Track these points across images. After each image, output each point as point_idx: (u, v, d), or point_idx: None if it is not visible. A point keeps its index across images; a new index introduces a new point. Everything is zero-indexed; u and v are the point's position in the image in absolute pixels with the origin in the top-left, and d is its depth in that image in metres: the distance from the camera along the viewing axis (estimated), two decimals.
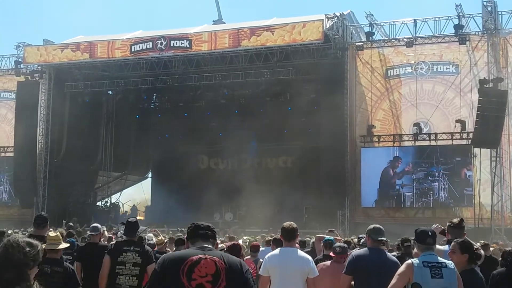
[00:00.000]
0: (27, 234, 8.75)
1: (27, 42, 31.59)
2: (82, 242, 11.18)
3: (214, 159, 36.53)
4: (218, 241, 12.27)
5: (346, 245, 8.09)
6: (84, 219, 28.28)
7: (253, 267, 8.63)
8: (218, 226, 28.28)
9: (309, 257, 6.79)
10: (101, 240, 9.82)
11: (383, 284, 6.29)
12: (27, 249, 3.27)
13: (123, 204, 36.85)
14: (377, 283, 6.30)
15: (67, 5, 74.17)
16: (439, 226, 7.69)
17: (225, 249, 7.84)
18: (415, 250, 6.12)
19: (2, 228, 15.35)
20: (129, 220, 8.03)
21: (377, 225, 6.90)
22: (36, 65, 31.33)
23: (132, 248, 7.63)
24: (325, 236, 9.60)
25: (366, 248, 6.80)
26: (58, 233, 7.32)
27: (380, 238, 6.69)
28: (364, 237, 9.33)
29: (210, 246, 4.08)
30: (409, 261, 5.70)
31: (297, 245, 7.28)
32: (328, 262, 7.53)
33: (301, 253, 6.85)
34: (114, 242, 9.42)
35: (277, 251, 6.98)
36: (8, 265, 3.22)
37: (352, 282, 6.63)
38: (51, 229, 8.25)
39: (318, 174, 27.16)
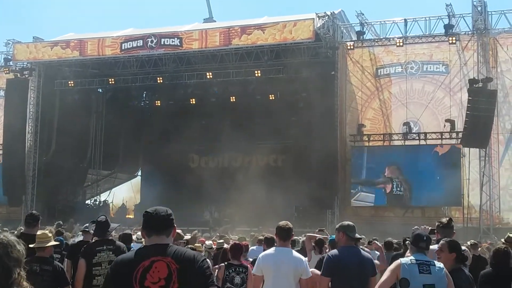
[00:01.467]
0: (16, 233, 8.69)
1: (16, 39, 31.44)
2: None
3: (204, 158, 36.50)
4: (210, 242, 12.30)
5: None
6: (73, 217, 28.14)
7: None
8: (208, 225, 28.35)
9: (303, 258, 6.78)
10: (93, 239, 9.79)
11: (361, 280, 6.32)
12: (9, 249, 3.25)
13: (112, 203, 36.75)
14: (356, 281, 6.31)
15: (58, 2, 73.83)
16: (427, 227, 7.73)
17: (226, 249, 7.83)
18: (408, 253, 6.17)
19: None
20: (99, 219, 7.89)
21: (351, 223, 6.74)
22: (26, 63, 31.15)
23: (104, 247, 7.55)
24: (316, 235, 9.61)
25: (341, 247, 6.58)
26: (46, 231, 7.29)
27: (357, 236, 6.62)
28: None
29: (163, 242, 3.87)
30: (398, 260, 5.75)
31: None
32: None
33: (295, 253, 6.81)
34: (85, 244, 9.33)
35: (271, 250, 6.95)
36: None
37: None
38: (47, 227, 8.20)
39: (308, 173, 27.19)
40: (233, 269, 7.69)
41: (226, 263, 7.87)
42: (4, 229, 16.00)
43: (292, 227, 6.78)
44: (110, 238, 8.03)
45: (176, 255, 3.80)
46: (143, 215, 3.99)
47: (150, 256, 3.78)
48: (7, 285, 3.17)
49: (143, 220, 3.97)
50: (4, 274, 3.19)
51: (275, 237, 7.11)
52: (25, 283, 3.27)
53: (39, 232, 7.09)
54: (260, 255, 6.93)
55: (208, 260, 3.92)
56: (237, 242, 8.74)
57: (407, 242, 10.12)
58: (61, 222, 18.28)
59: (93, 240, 8.15)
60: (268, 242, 10.06)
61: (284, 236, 6.72)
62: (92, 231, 7.98)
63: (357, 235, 6.65)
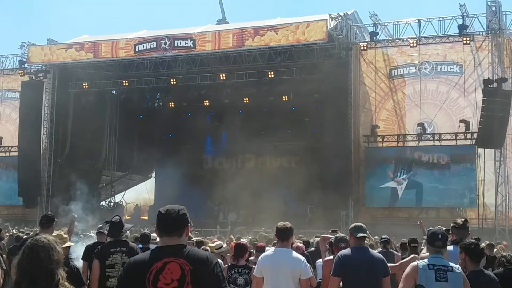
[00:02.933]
0: (31, 234, 8.75)
1: (31, 42, 31.65)
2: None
3: (218, 159, 36.54)
4: (219, 242, 12.30)
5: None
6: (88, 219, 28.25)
7: None
8: (223, 226, 28.36)
9: (302, 258, 6.75)
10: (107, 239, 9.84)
11: (372, 281, 6.30)
12: (51, 252, 3.29)
13: (126, 204, 36.89)
14: (366, 281, 6.30)
15: (72, 4, 74.27)
16: (441, 227, 7.70)
17: (229, 249, 7.83)
18: (424, 251, 6.11)
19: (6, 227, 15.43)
20: (113, 220, 7.92)
21: (358, 223, 6.83)
22: (40, 65, 31.37)
23: (118, 249, 7.58)
24: (330, 236, 9.58)
25: (350, 248, 6.71)
26: (62, 232, 7.33)
27: (360, 235, 6.59)
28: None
29: (176, 242, 3.89)
30: (414, 262, 5.69)
31: (300, 244, 7.25)
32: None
33: (294, 253, 6.80)
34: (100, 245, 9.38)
35: (270, 251, 7.00)
36: (35, 265, 3.24)
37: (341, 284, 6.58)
38: (61, 228, 8.24)
39: (322, 174, 27.13)
40: (235, 270, 7.68)
41: (229, 264, 7.87)
42: (21, 230, 16.15)
43: (290, 227, 6.75)
44: (124, 239, 8.06)
45: (189, 256, 3.83)
46: (157, 214, 4.01)
47: (162, 257, 3.81)
48: (51, 287, 3.21)
49: (157, 219, 3.99)
50: (47, 277, 3.22)
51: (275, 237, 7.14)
52: (66, 283, 3.31)
53: (55, 233, 7.13)
54: (260, 257, 6.98)
55: (220, 262, 3.95)
56: (239, 242, 8.73)
57: (413, 245, 10.11)
58: (77, 224, 18.35)
59: (107, 241, 8.19)
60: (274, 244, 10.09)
61: (283, 236, 6.72)
62: (106, 232, 8.01)
63: (360, 234, 6.61)
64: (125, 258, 7.42)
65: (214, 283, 3.85)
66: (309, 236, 16.44)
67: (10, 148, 32.60)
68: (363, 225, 6.78)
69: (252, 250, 9.61)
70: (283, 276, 6.48)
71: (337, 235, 7.94)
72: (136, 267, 3.85)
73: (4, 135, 33.07)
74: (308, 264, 6.96)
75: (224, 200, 31.21)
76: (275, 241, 9.98)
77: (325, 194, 25.62)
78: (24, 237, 10.90)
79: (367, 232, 6.96)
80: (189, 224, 3.99)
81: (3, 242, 12.52)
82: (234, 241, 12.56)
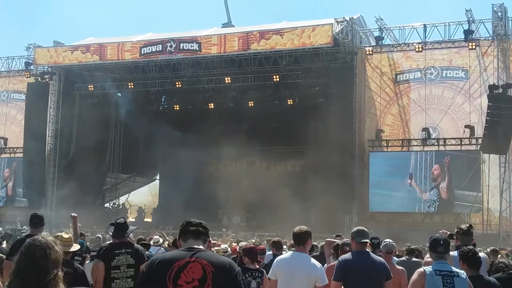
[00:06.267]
0: (24, 234, 8.77)
1: (37, 44, 31.80)
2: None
3: (222, 162, 36.50)
4: (225, 246, 12.31)
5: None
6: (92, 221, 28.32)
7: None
8: (227, 229, 28.33)
9: (319, 265, 6.63)
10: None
11: (373, 285, 6.29)
12: (47, 250, 3.31)
13: (130, 206, 36.95)
14: (368, 286, 6.30)
15: (78, 7, 74.49)
16: (446, 231, 7.68)
17: (241, 252, 7.81)
18: (427, 257, 6.11)
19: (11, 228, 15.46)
20: (118, 221, 7.93)
21: (361, 228, 6.79)
22: (46, 67, 31.50)
23: (123, 250, 7.56)
24: (335, 240, 9.55)
25: (351, 252, 6.69)
26: (70, 235, 7.34)
27: (363, 241, 6.56)
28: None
29: (200, 246, 3.99)
30: (421, 269, 5.70)
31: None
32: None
33: (311, 259, 6.67)
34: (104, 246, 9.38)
35: (287, 255, 6.92)
36: (30, 264, 3.27)
37: None
38: (64, 230, 8.25)
39: (326, 178, 27.09)
40: (249, 274, 7.64)
41: (242, 267, 7.84)
42: (22, 230, 16.17)
43: (307, 230, 6.64)
44: (129, 240, 8.07)
45: (212, 259, 3.91)
46: (181, 224, 4.16)
47: (185, 257, 3.88)
48: (43, 285, 3.23)
49: (182, 228, 4.12)
50: (39, 275, 3.25)
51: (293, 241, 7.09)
52: (62, 285, 3.33)
53: (65, 236, 7.14)
54: (276, 259, 6.90)
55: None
56: (252, 246, 8.70)
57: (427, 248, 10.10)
58: (80, 225, 18.41)
59: (111, 242, 8.20)
60: (275, 246, 10.07)
61: (299, 240, 6.61)
62: (111, 233, 8.04)
63: (363, 240, 6.57)
64: (130, 259, 7.42)
65: None
66: (313, 240, 16.41)
67: (15, 149, 32.71)
68: (365, 229, 6.75)
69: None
70: (298, 281, 6.40)
71: (345, 239, 7.93)
72: (158, 264, 3.92)
73: (9, 136, 33.18)
74: None
75: (228, 203, 31.19)
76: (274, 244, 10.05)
77: (329, 198, 25.60)
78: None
79: (369, 236, 6.93)
80: (210, 239, 4.14)
81: (8, 244, 12.54)
82: (235, 245, 12.57)
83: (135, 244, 8.08)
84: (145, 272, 3.98)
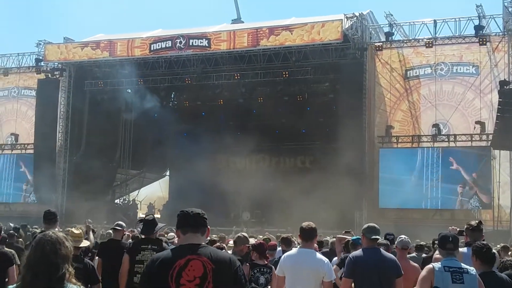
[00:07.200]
0: (39, 230, 8.83)
1: (47, 40, 31.87)
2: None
3: (232, 158, 36.54)
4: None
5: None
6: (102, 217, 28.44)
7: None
8: (237, 225, 28.39)
9: (326, 260, 6.65)
10: (123, 237, 9.95)
11: (384, 282, 6.28)
12: (58, 246, 3.34)
13: (140, 202, 37.07)
14: (379, 282, 6.29)
15: (88, 3, 74.65)
16: (455, 227, 7.65)
17: (250, 248, 7.82)
18: (437, 253, 6.09)
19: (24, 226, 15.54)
20: (147, 218, 8.06)
21: (372, 224, 6.79)
22: (56, 63, 31.59)
23: (149, 246, 7.67)
24: (345, 237, 9.55)
25: (362, 249, 6.70)
26: (80, 230, 7.40)
27: (373, 237, 6.57)
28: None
29: (199, 239, 3.97)
30: (430, 265, 5.68)
31: (315, 245, 7.21)
32: None
33: (318, 255, 6.70)
34: (131, 241, 9.49)
35: (294, 251, 6.93)
36: (41, 259, 3.29)
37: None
38: (75, 225, 8.32)
39: (336, 174, 27.06)
40: (258, 269, 7.65)
41: (250, 262, 7.85)
42: (34, 227, 16.24)
43: (315, 227, 6.66)
44: (158, 238, 8.15)
45: (212, 255, 3.89)
46: (178, 215, 4.09)
47: (186, 255, 3.86)
48: (54, 281, 3.26)
49: (179, 219, 4.06)
50: (51, 270, 3.27)
51: (299, 238, 7.09)
52: (73, 280, 3.35)
53: (76, 231, 7.20)
54: (282, 256, 6.92)
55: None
56: (261, 242, 8.72)
57: (436, 245, 10.07)
58: (90, 220, 18.49)
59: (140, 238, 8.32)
60: (284, 242, 10.08)
61: (307, 236, 6.63)
62: (140, 229, 8.14)
63: (374, 236, 6.58)
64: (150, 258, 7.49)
65: (237, 285, 3.91)
66: (323, 236, 16.40)
67: (26, 145, 32.85)
68: (376, 225, 6.74)
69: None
70: (305, 277, 6.41)
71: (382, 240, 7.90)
72: (159, 264, 3.90)
73: (20, 133, 33.31)
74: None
75: (238, 199, 31.22)
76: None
77: (338, 194, 25.58)
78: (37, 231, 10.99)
79: (380, 233, 6.91)
80: (208, 227, 4.08)
81: (21, 239, 12.62)
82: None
83: (164, 243, 8.13)
84: (146, 272, 3.97)
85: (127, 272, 7.60)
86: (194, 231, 3.98)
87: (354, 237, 9.03)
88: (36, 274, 3.26)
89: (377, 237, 6.62)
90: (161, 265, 3.87)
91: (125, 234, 11.16)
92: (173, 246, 4.23)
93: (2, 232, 8.50)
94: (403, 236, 8.28)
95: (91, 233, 10.61)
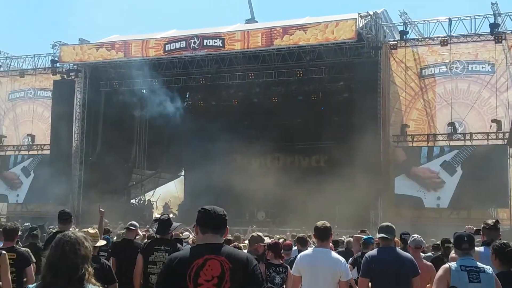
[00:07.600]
0: (55, 230, 8.89)
1: (63, 41, 32.05)
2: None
3: (246, 158, 36.56)
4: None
5: None
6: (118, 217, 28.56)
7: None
8: (253, 225, 28.39)
9: (342, 259, 6.63)
10: (137, 237, 9.98)
11: (400, 281, 6.26)
12: (77, 246, 3.37)
13: (155, 202, 37.21)
14: (395, 281, 6.27)
15: (102, 5, 75.07)
16: (471, 226, 7.60)
17: (266, 248, 7.82)
18: (453, 253, 6.06)
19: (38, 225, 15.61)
20: (162, 218, 8.06)
21: (385, 223, 6.78)
22: (72, 64, 31.78)
23: (162, 247, 7.66)
24: (362, 236, 9.54)
25: (378, 248, 6.74)
26: (96, 230, 7.44)
27: (380, 236, 6.57)
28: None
29: (218, 241, 3.96)
30: (446, 265, 5.65)
31: (331, 245, 7.20)
32: None
33: (334, 254, 6.70)
34: (147, 240, 9.51)
35: (309, 251, 6.92)
36: (61, 259, 3.32)
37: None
38: (92, 225, 8.37)
39: (351, 173, 26.99)
40: (273, 269, 7.65)
41: (266, 262, 7.85)
42: (50, 227, 16.36)
43: (329, 226, 6.64)
44: (171, 238, 8.15)
45: (229, 254, 3.90)
46: (199, 211, 4.08)
47: (204, 254, 3.87)
48: (74, 281, 3.29)
49: (199, 216, 4.06)
50: (70, 270, 3.30)
51: (314, 237, 7.08)
52: (93, 280, 3.38)
53: (92, 231, 7.25)
54: (298, 256, 6.91)
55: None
56: (277, 241, 8.73)
57: (446, 245, 10.00)
58: (107, 221, 18.58)
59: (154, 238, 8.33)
60: (300, 242, 10.08)
61: (322, 236, 6.60)
62: (155, 229, 8.16)
63: (381, 235, 6.56)
64: (168, 257, 7.48)
65: (254, 284, 3.90)
66: (338, 236, 16.38)
67: (42, 146, 33.07)
68: (390, 224, 6.72)
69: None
70: (322, 277, 6.40)
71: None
72: (177, 263, 3.92)
73: (36, 134, 33.53)
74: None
75: (253, 199, 31.22)
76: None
77: (353, 193, 25.52)
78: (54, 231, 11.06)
79: (395, 232, 6.87)
80: (227, 227, 4.08)
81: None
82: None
83: (178, 244, 8.10)
84: (164, 271, 3.99)
85: (141, 272, 7.63)
86: (214, 232, 3.98)
87: (366, 237, 9.04)
88: (56, 274, 3.29)
89: (384, 235, 6.57)
90: (179, 265, 3.88)
91: (139, 234, 11.21)
92: (189, 246, 4.24)
93: (20, 232, 8.56)
94: (415, 235, 8.27)
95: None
